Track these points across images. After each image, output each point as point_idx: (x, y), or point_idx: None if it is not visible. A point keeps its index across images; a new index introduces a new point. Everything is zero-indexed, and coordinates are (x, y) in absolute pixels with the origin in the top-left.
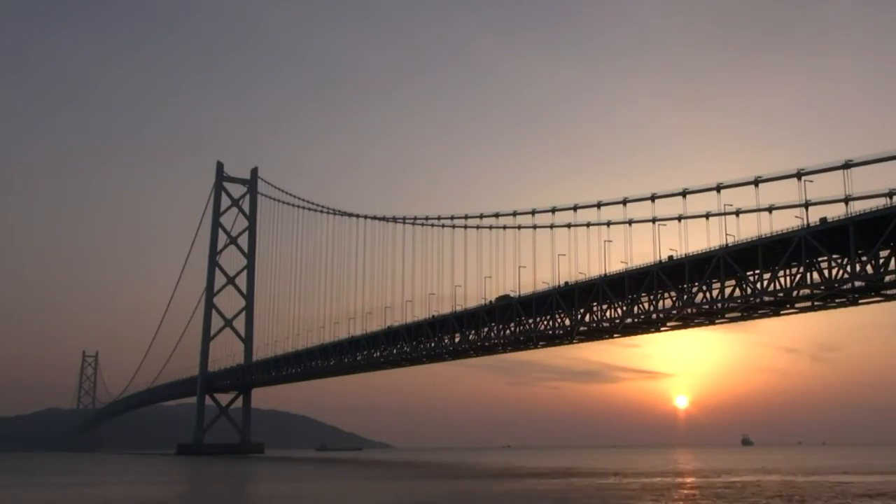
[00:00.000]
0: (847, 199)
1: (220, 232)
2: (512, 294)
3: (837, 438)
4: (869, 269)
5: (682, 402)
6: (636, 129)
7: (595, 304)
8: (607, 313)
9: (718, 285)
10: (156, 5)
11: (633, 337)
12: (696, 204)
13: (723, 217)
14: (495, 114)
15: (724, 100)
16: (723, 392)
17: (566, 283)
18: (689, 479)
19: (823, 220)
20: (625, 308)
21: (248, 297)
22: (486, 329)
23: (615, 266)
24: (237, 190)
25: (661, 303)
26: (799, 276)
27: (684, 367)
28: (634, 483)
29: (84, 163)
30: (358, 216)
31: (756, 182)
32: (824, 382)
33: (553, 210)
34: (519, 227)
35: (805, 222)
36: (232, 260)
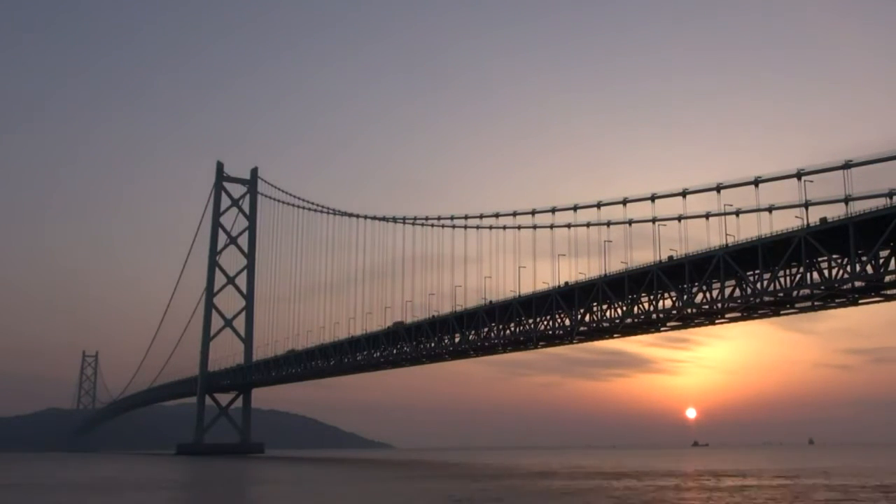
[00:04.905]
0: (847, 199)
1: (220, 232)
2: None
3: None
4: (869, 269)
5: (690, 412)
6: (636, 128)
7: (595, 304)
8: (607, 313)
9: (718, 285)
10: (156, 5)
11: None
12: (696, 204)
13: (723, 217)
14: (495, 114)
15: (723, 99)
16: (746, 389)
17: (566, 283)
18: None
19: (823, 220)
20: (625, 308)
21: (248, 297)
22: (485, 329)
23: (615, 266)
24: (237, 190)
25: (661, 303)
26: (799, 276)
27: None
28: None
29: (84, 163)
30: (358, 216)
31: (756, 182)
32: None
33: (553, 210)
34: (519, 228)
35: (805, 222)
36: (232, 260)
